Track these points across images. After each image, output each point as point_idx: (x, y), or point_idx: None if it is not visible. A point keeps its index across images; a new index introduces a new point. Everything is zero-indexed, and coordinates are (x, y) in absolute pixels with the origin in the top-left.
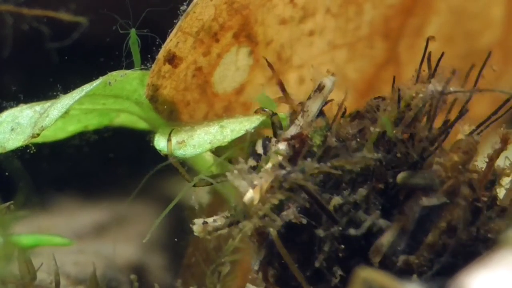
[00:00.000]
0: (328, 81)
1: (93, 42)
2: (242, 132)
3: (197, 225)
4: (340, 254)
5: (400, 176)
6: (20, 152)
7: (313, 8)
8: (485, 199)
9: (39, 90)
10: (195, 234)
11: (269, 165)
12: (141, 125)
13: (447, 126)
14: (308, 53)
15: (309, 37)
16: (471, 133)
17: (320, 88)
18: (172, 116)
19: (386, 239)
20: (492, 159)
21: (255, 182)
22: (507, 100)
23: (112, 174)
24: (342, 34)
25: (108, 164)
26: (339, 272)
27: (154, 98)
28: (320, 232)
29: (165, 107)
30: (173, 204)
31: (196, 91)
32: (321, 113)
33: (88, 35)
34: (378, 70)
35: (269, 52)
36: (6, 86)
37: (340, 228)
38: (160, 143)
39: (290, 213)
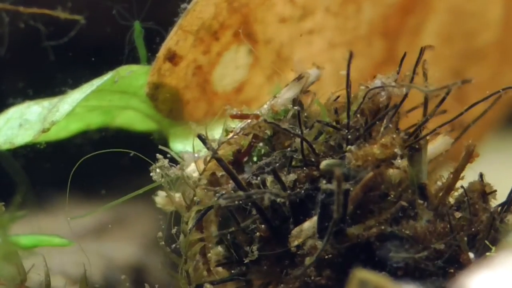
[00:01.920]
0: (312, 72)
1: (95, 39)
2: None
3: (160, 197)
4: (259, 234)
5: (323, 163)
6: (20, 152)
7: (313, 7)
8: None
9: (43, 88)
10: (157, 205)
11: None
12: (144, 124)
13: (375, 120)
14: (308, 52)
15: (309, 35)
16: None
17: (299, 78)
18: (172, 114)
19: (307, 224)
20: (457, 170)
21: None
22: (461, 114)
23: (113, 173)
24: (341, 33)
25: (108, 164)
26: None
27: (154, 96)
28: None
29: (165, 105)
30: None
31: (196, 89)
32: (296, 102)
33: (90, 32)
34: (377, 69)
35: (268, 50)
36: (10, 83)
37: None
38: (178, 145)
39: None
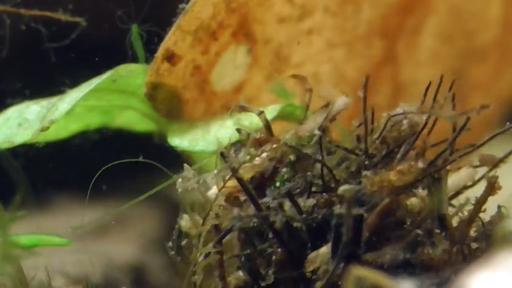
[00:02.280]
0: (340, 100)
1: (94, 39)
2: (262, 124)
3: (185, 220)
4: (275, 257)
5: (341, 189)
6: (19, 152)
7: (312, 7)
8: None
9: (42, 88)
10: (183, 229)
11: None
12: (144, 125)
13: (396, 145)
14: (307, 52)
15: (308, 35)
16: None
17: (326, 105)
18: (171, 114)
19: (323, 250)
20: (479, 202)
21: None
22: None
23: (113, 174)
24: (341, 33)
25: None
26: (272, 275)
27: (152, 96)
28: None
29: (164, 105)
30: (148, 195)
31: (194, 89)
32: (321, 128)
33: (89, 33)
34: (376, 69)
35: (267, 50)
36: (10, 84)
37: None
38: (175, 140)
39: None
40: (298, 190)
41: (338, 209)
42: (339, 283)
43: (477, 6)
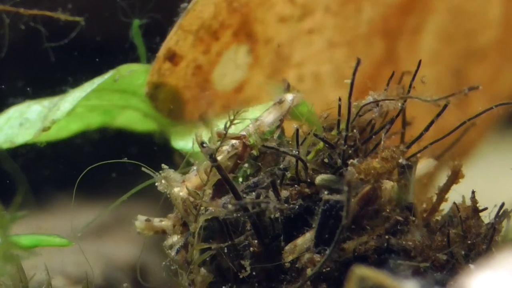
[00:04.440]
0: (289, 97)
1: (95, 38)
2: None
3: (139, 222)
4: (252, 249)
5: (319, 178)
6: (20, 152)
7: (313, 7)
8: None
9: (43, 88)
10: (137, 230)
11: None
12: (145, 125)
13: (372, 134)
14: (308, 52)
15: (309, 35)
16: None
17: (280, 102)
18: (172, 114)
19: (301, 240)
20: (442, 191)
21: (188, 175)
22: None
23: (113, 173)
24: (341, 32)
25: (109, 164)
26: (247, 267)
27: (154, 96)
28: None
29: (165, 105)
30: (129, 195)
31: (195, 89)
32: (279, 125)
33: (90, 32)
34: (377, 69)
35: (268, 50)
36: (11, 83)
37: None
38: (179, 143)
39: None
40: (265, 184)
41: (326, 195)
42: (324, 271)
43: (477, 6)
